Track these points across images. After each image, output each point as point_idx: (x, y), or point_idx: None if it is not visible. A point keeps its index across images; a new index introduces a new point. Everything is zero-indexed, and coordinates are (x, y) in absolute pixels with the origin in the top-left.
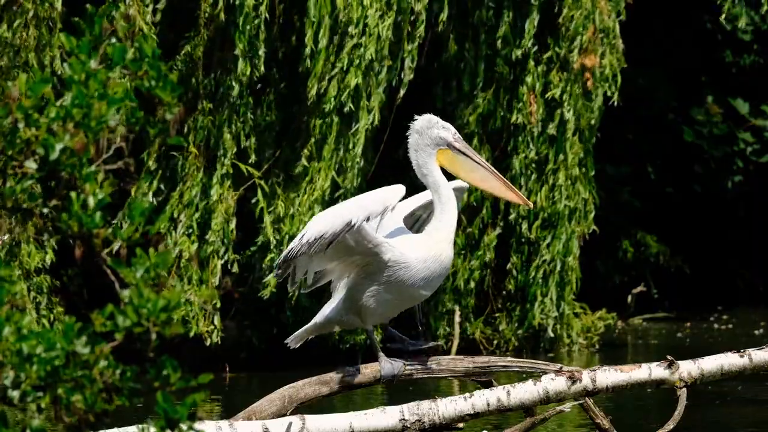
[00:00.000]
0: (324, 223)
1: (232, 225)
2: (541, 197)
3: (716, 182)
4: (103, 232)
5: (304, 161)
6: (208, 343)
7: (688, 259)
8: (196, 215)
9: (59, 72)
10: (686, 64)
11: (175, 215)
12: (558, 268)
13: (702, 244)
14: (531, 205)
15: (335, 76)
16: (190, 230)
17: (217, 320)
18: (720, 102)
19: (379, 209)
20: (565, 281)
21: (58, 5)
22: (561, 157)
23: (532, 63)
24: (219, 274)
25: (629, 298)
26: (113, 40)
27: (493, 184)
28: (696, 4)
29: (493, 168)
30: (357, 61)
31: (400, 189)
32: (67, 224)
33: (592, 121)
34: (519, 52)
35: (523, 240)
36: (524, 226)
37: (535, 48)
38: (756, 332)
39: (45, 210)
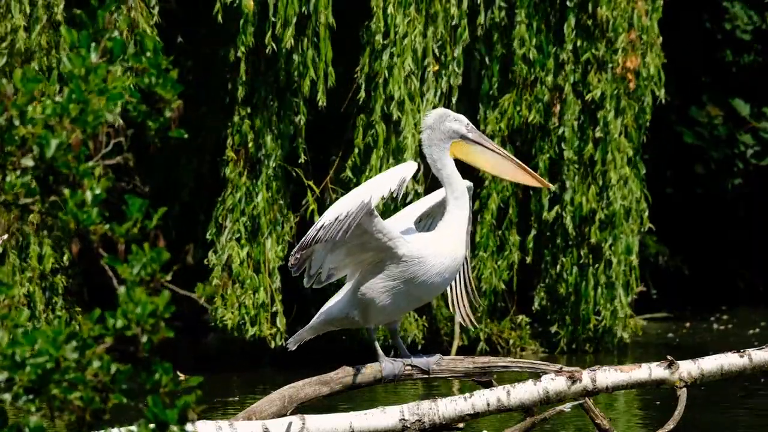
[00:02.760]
0: (339, 206)
1: (286, 229)
2: (589, 198)
3: (716, 183)
4: (100, 228)
5: (348, 172)
6: (272, 345)
7: (688, 260)
8: (243, 219)
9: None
10: (686, 64)
11: (220, 221)
12: (622, 268)
13: (702, 245)
14: (551, 186)
15: (381, 83)
16: (238, 235)
17: (280, 322)
18: (720, 102)
19: (393, 185)
20: (628, 281)
21: (61, 6)
22: (609, 157)
23: (552, 62)
24: (278, 276)
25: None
26: (115, 34)
27: (509, 169)
28: (697, 3)
29: (507, 153)
30: (401, 70)
31: (411, 165)
32: (64, 221)
33: (641, 121)
34: (557, 54)
35: (570, 242)
36: (569, 225)
37: (564, 47)
38: (756, 331)
39: (38, 207)
